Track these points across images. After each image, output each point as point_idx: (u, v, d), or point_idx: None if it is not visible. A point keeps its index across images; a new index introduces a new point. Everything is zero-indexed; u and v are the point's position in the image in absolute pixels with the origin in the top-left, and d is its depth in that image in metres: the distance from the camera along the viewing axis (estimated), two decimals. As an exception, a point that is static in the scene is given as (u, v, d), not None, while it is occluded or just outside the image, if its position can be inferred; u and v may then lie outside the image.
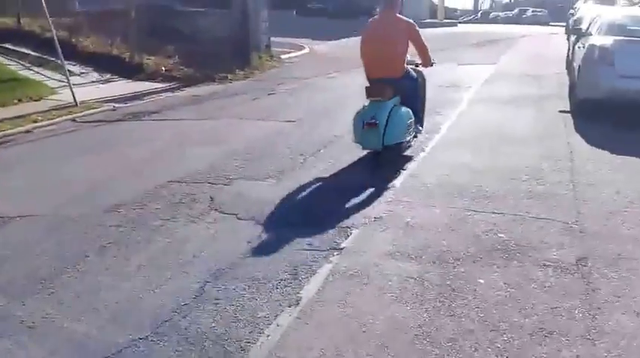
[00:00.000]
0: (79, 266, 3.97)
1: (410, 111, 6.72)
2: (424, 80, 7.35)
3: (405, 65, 6.80)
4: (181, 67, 13.45)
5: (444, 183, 5.76)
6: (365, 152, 6.56)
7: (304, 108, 9.62)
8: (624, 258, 4.20)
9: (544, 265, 4.06)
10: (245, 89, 12.12)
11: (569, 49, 15.29)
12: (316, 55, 19.26)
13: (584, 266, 4.06)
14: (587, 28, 11.37)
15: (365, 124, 6.22)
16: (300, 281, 3.76)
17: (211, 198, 5.28)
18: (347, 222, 4.74)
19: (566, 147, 7.35)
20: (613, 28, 9.66)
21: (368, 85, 6.65)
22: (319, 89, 11.90)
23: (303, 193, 5.41)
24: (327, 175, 5.94)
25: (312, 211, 4.95)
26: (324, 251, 4.19)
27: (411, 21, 6.84)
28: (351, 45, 23.55)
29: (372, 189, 5.55)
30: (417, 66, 7.17)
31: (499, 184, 5.79)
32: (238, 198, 5.28)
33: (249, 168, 6.19)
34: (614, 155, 7.03)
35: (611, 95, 8.92)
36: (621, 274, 3.94)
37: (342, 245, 4.31)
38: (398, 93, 6.59)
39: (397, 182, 5.80)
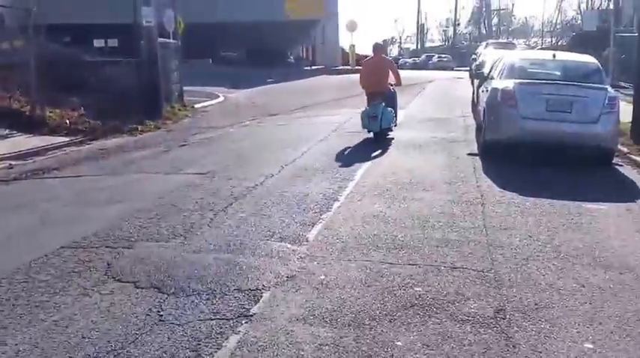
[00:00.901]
0: (-55, 356, 3.40)
1: (392, 110, 11.37)
2: (396, 94, 12.09)
3: (388, 84, 11.59)
4: (87, 120, 12.78)
5: (359, 235, 5.53)
6: (279, 205, 6.39)
7: (216, 159, 9.26)
8: (541, 307, 4.08)
9: (462, 320, 3.85)
10: (155, 141, 11.63)
11: (473, 93, 15.82)
12: (231, 104, 19.00)
13: (503, 318, 3.89)
14: (490, 72, 11.75)
15: (370, 117, 10.80)
16: (203, 358, 3.36)
17: (109, 264, 4.78)
18: (257, 284, 4.38)
19: (477, 191, 7.36)
20: (514, 71, 9.96)
21: (367, 96, 11.54)
22: (233, 138, 11.60)
23: (211, 254, 5.01)
24: (237, 232, 5.57)
25: (220, 273, 4.56)
26: (231, 319, 3.81)
27: (391, 59, 13.69)
28: (264, 92, 23.67)
29: (285, 245, 5.24)
30: (392, 85, 11.78)
31: (413, 233, 5.63)
32: (139, 262, 4.81)
33: (153, 228, 5.73)
34: (523, 197, 7.09)
35: (515, 137, 9.13)
36: (540, 326, 3.79)
37: (252, 311, 3.94)
38: (384, 100, 11.14)
39: (311, 235, 5.51)
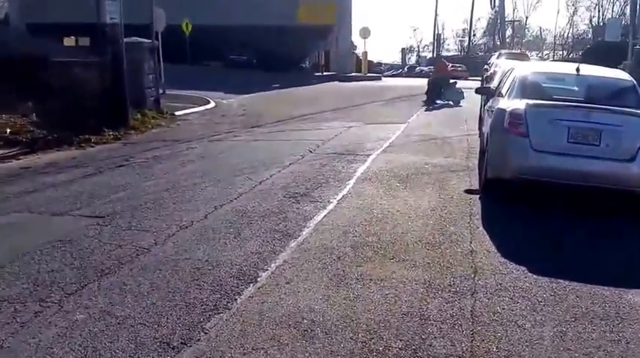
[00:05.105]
0: None
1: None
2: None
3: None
4: (32, 129, 10.36)
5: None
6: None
7: (138, 191, 6.72)
8: None
9: None
10: (98, 157, 9.16)
11: (481, 107, 13.14)
12: (219, 111, 16.46)
13: None
14: (498, 87, 9.06)
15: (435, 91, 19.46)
16: None
17: None
18: None
19: (469, 263, 4.74)
20: (526, 88, 7.27)
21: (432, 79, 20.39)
22: (186, 158, 9.07)
23: None
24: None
25: None
26: None
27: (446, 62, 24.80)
28: (263, 99, 21.01)
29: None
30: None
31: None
32: None
33: None
34: (534, 278, 4.48)
35: (524, 175, 6.50)
36: None
37: None
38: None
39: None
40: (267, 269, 4.40)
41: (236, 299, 3.85)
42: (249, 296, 3.91)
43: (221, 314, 3.62)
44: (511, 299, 4.10)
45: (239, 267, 4.43)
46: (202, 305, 3.73)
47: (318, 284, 4.17)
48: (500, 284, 4.36)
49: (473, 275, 4.50)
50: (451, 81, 19.98)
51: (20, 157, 9.11)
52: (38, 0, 31.85)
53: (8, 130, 10.14)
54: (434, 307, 3.91)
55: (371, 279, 4.31)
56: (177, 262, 4.46)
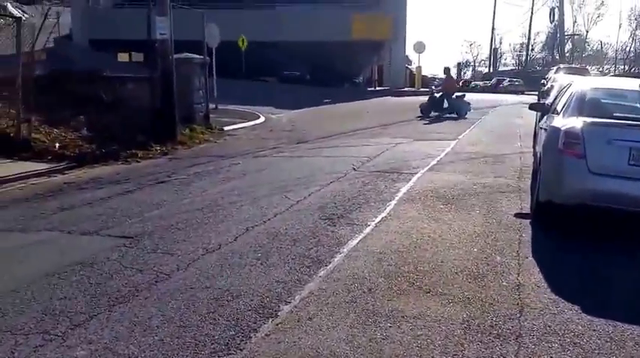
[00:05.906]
0: None
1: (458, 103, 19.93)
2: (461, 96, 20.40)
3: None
4: (80, 144, 10.42)
5: None
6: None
7: (173, 210, 6.50)
8: None
9: None
10: (142, 172, 9.08)
11: (536, 124, 12.38)
12: (267, 126, 16.31)
13: None
14: (553, 103, 8.39)
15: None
16: None
17: None
18: None
19: (514, 300, 4.22)
20: (584, 105, 6.60)
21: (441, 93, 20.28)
22: (228, 174, 8.85)
23: None
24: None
25: None
26: None
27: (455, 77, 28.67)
28: (313, 114, 20.76)
29: None
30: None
31: None
32: None
33: None
34: (586, 318, 3.96)
35: (580, 199, 5.88)
36: None
37: None
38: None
39: None
40: (289, 302, 4.02)
41: (251, 338, 3.48)
42: (266, 334, 3.53)
43: (231, 356, 3.26)
44: (560, 345, 3.56)
45: (260, 298, 4.06)
46: (213, 344, 3.38)
47: (344, 322, 3.75)
48: (549, 326, 3.82)
49: (518, 315, 3.97)
50: (458, 94, 20.33)
51: (66, 172, 9.13)
52: (100, 17, 33.16)
53: (57, 144, 10.22)
54: (471, 353, 3.42)
55: (403, 317, 3.86)
56: (196, 291, 4.14)
